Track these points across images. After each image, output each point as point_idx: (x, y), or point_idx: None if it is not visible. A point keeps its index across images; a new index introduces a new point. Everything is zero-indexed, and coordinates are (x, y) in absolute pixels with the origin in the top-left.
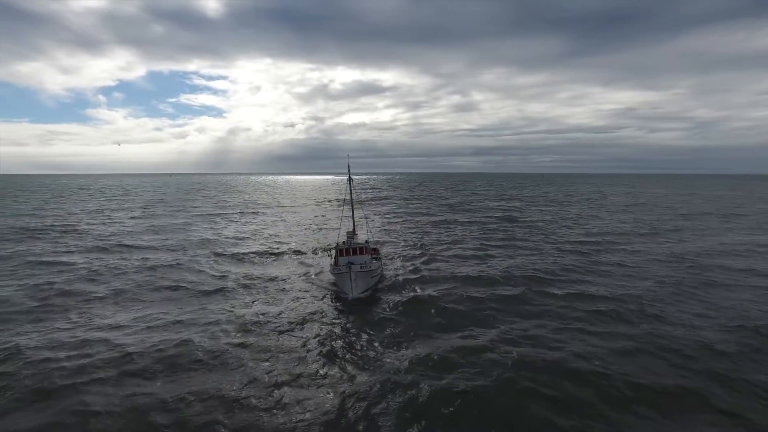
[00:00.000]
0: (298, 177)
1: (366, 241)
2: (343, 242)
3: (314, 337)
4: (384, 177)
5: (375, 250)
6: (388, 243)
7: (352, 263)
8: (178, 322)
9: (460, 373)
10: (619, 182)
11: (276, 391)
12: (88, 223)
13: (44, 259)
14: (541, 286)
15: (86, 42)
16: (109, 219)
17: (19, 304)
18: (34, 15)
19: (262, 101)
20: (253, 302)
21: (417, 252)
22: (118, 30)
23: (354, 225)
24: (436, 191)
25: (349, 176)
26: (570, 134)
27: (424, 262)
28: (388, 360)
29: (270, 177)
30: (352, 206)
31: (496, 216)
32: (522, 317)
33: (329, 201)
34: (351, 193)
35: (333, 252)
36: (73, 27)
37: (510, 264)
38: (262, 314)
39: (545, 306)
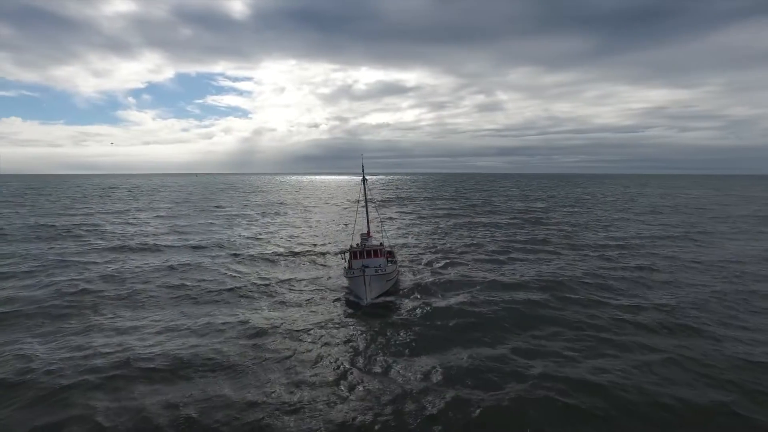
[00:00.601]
0: (322, 177)
1: (381, 243)
2: (357, 245)
3: (326, 344)
4: (407, 177)
5: (390, 252)
6: (407, 245)
7: (367, 266)
8: (192, 324)
9: (477, 382)
10: (649, 183)
11: (285, 397)
12: (112, 223)
13: (66, 258)
14: (565, 293)
15: (117, 45)
16: (134, 218)
17: (38, 302)
18: (70, 21)
19: (286, 102)
20: (266, 307)
21: (437, 255)
22: (148, 33)
23: (368, 227)
24: (460, 191)
25: (363, 176)
26: (596, 134)
27: (443, 266)
28: (403, 368)
29: (294, 177)
30: (367, 207)
31: (521, 218)
32: (544, 325)
33: (350, 201)
34: (365, 194)
35: (347, 255)
36: (105, 31)
37: (533, 269)
38: (275, 319)
39: (568, 314)
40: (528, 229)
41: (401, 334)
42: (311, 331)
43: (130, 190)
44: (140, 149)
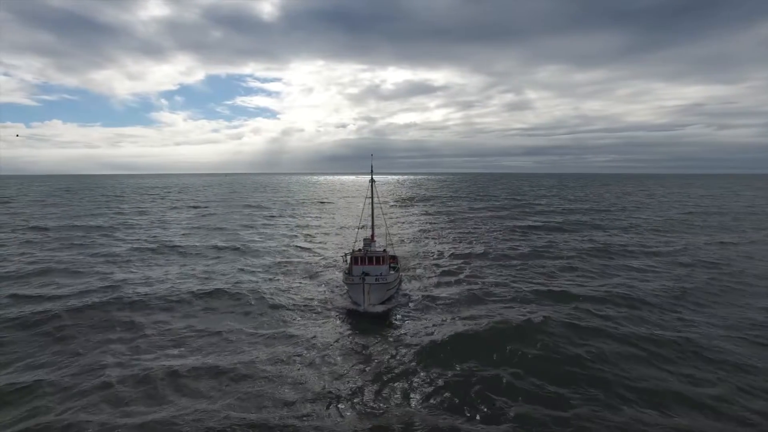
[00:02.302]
0: (349, 177)
1: (384, 250)
2: (359, 250)
3: (314, 351)
4: (435, 177)
5: (394, 258)
6: (421, 249)
7: (367, 274)
8: (193, 330)
9: (462, 408)
10: (691, 183)
11: (265, 403)
12: (138, 225)
13: (78, 267)
14: (593, 305)
15: (151, 49)
16: (161, 218)
17: (49, 309)
18: (107, 27)
19: (314, 102)
20: (266, 313)
21: (450, 261)
22: (179, 36)
23: (373, 231)
24: (487, 191)
25: (372, 178)
26: (629, 133)
27: (454, 275)
28: (389, 386)
29: (321, 177)
30: (373, 210)
31: (550, 222)
32: (560, 353)
33: (375, 202)
34: (372, 197)
35: (348, 258)
36: (139, 36)
37: (561, 284)
38: (271, 326)
39: (593, 339)
40: (558, 233)
41: (393, 348)
42: (299, 338)
43: (160, 190)
44: (172, 150)
